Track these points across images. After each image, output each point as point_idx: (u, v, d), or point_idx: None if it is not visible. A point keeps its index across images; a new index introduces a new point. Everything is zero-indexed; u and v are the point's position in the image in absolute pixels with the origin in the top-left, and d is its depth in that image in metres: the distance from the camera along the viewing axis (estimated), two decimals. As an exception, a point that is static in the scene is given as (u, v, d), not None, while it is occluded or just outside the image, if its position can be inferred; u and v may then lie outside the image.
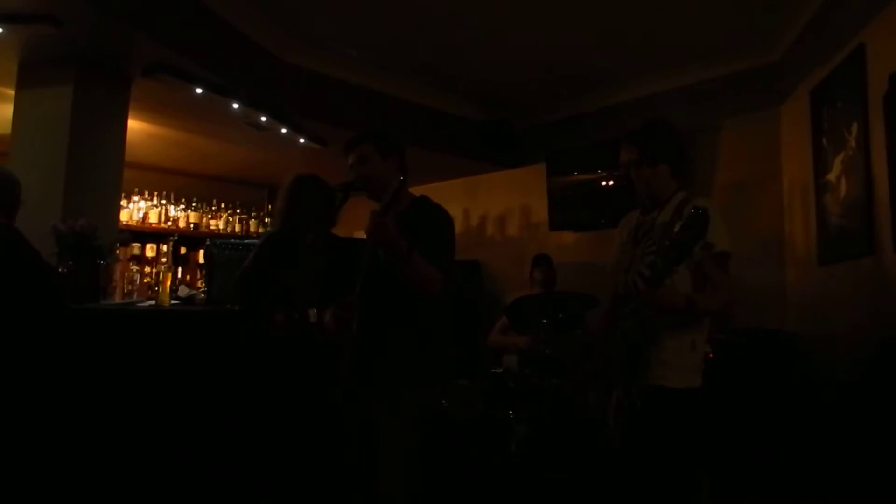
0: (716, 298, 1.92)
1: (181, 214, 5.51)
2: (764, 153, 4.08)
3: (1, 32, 2.83)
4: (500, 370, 3.67)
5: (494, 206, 5.68)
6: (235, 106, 3.69)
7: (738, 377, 3.15)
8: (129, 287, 4.01)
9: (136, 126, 4.05)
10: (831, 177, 3.18)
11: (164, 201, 5.40)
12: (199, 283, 5.11)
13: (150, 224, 5.30)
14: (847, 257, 3.02)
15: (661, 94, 4.44)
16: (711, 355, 2.71)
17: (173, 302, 3.12)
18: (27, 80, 3.35)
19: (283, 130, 4.16)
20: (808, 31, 3.45)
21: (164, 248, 5.09)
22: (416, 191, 2.28)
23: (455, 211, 2.20)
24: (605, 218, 4.52)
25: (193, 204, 5.60)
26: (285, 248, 2.70)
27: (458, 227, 2.21)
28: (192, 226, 5.55)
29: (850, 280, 3.01)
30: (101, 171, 3.41)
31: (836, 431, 2.73)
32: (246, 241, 4.25)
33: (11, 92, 3.42)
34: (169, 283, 3.07)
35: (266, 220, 6.06)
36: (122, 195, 4.09)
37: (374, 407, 2.05)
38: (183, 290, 3.48)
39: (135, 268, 4.63)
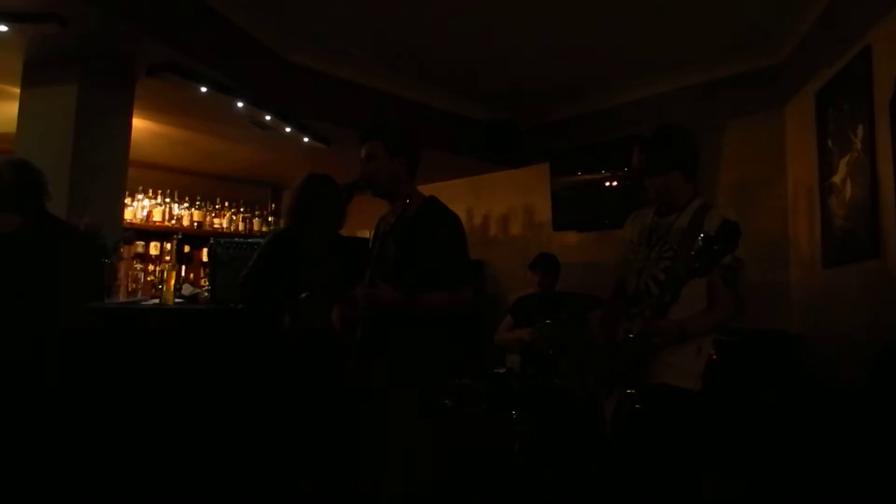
0: (710, 318, 1.94)
1: (185, 213, 5.51)
2: (768, 154, 4.07)
3: (6, 31, 2.84)
4: (504, 370, 3.67)
5: (498, 206, 5.68)
6: (240, 105, 3.69)
7: (742, 378, 3.15)
8: (133, 285, 4.02)
9: (140, 125, 4.06)
10: (836, 179, 3.17)
11: (167, 200, 5.41)
12: (202, 282, 5.12)
13: (154, 222, 5.30)
14: (852, 260, 3.01)
15: (666, 94, 4.43)
16: (715, 356, 2.71)
17: (177, 300, 3.13)
18: (32, 79, 3.36)
19: (287, 129, 4.16)
20: (813, 33, 3.44)
21: (168, 246, 5.11)
22: (421, 190, 2.26)
23: (459, 210, 2.19)
24: (608, 218, 4.51)
25: (197, 202, 5.61)
26: (291, 247, 2.70)
27: (461, 227, 2.20)
28: (195, 224, 5.55)
29: (854, 282, 3.00)
30: (105, 169, 3.42)
31: (839, 434, 2.72)
32: (249, 239, 4.26)
33: (17, 90, 3.43)
34: (173, 281, 3.07)
35: (270, 219, 6.07)
36: (126, 193, 4.09)
37: (377, 406, 2.05)
38: (186, 289, 3.50)
39: (139, 266, 4.65)
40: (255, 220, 5.98)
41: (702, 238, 1.70)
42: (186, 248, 5.29)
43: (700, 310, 1.93)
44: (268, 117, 3.93)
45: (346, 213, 2.76)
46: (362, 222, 3.14)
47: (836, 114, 3.18)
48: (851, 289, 3.04)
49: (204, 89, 3.43)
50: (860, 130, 2.89)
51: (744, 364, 3.19)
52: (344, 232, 2.86)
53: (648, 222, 2.10)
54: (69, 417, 2.41)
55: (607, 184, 4.65)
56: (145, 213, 5.26)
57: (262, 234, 5.72)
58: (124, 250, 3.55)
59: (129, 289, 3.90)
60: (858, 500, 2.46)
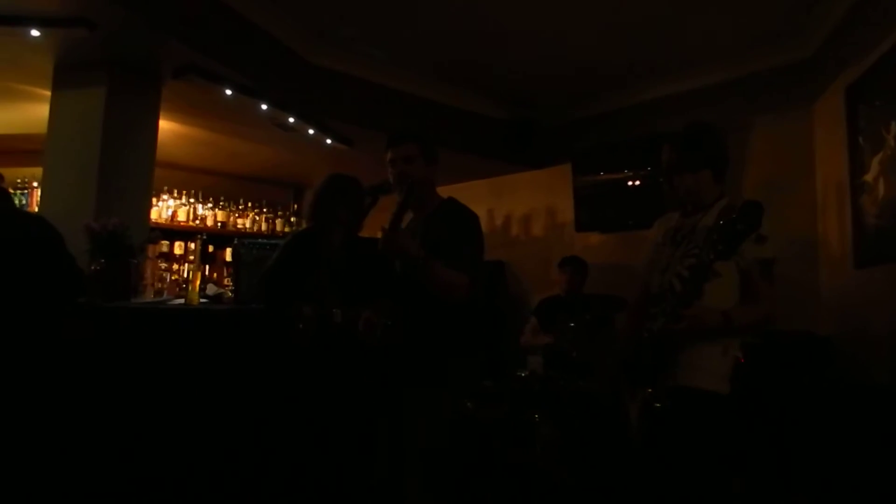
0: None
1: (209, 213, 5.59)
2: (796, 152, 3.98)
3: (38, 36, 2.90)
4: (526, 372, 3.65)
5: (520, 207, 5.65)
6: (263, 107, 3.73)
7: (771, 380, 3.09)
8: (159, 285, 4.08)
9: (166, 126, 4.12)
10: (868, 177, 3.09)
11: (192, 200, 5.49)
12: (225, 282, 5.18)
13: (179, 222, 5.38)
14: (885, 260, 2.94)
15: (690, 91, 4.36)
16: (742, 359, 2.66)
17: (202, 300, 3.16)
18: (62, 82, 3.43)
19: (310, 131, 4.19)
20: (843, 26, 3.36)
21: (192, 246, 5.18)
22: (442, 191, 2.26)
23: (480, 211, 2.18)
24: (631, 218, 4.46)
25: (221, 203, 5.68)
26: (310, 247, 2.70)
27: (483, 227, 2.19)
28: (219, 224, 5.63)
29: (887, 283, 2.93)
30: (132, 170, 3.48)
31: (870, 436, 2.65)
32: (273, 240, 4.30)
33: (48, 93, 3.50)
34: (198, 281, 3.10)
35: (292, 219, 6.12)
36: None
37: (401, 409, 2.04)
38: (211, 289, 3.53)
39: (163, 265, 4.72)
40: (278, 221, 6.04)
41: (723, 221, 1.68)
42: (210, 248, 5.36)
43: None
44: (291, 119, 3.97)
45: (367, 214, 2.76)
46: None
47: (868, 110, 3.10)
48: (885, 289, 2.96)
49: (228, 92, 3.48)
50: (893, 127, 2.82)
51: (772, 366, 3.13)
52: (366, 234, 2.86)
53: (674, 223, 2.07)
54: (95, 417, 2.45)
55: (630, 183, 4.59)
56: (170, 213, 5.34)
57: (284, 235, 5.77)
58: (149, 250, 3.60)
59: (155, 288, 3.96)
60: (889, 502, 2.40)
